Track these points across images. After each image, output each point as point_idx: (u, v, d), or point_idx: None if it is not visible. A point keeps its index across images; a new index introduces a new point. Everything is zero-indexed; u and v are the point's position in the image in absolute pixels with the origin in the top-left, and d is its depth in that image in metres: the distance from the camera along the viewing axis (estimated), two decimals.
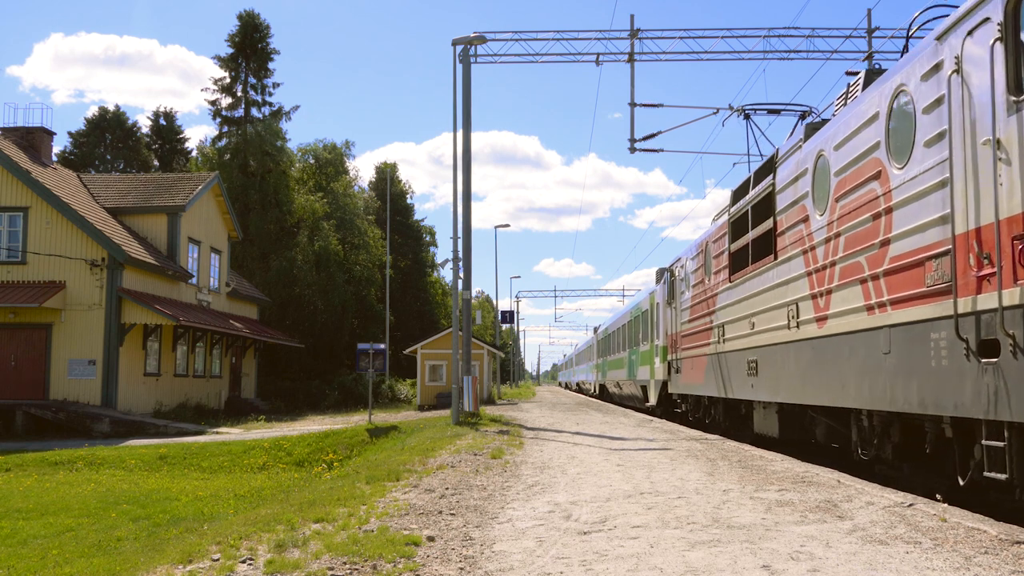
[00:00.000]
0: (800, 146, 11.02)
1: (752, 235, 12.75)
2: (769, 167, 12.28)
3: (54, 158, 34.49)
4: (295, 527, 6.73)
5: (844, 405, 9.29)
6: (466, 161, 21.48)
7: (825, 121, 10.81)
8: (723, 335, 14.45)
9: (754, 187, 13.00)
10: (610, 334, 36.80)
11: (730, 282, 13.95)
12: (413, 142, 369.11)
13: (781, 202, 11.38)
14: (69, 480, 16.55)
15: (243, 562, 5.53)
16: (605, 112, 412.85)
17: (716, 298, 15.11)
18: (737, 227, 13.73)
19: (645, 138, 23.51)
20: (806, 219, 10.29)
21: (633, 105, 23.21)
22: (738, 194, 14.03)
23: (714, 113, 23.62)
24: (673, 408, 21.47)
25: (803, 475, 9.05)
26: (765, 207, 12.15)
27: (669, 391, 20.82)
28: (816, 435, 11.15)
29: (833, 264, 9.48)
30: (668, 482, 8.75)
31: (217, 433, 24.71)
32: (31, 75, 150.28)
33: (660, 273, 22.41)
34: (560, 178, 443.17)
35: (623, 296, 76.93)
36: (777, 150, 12.00)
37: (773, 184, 11.76)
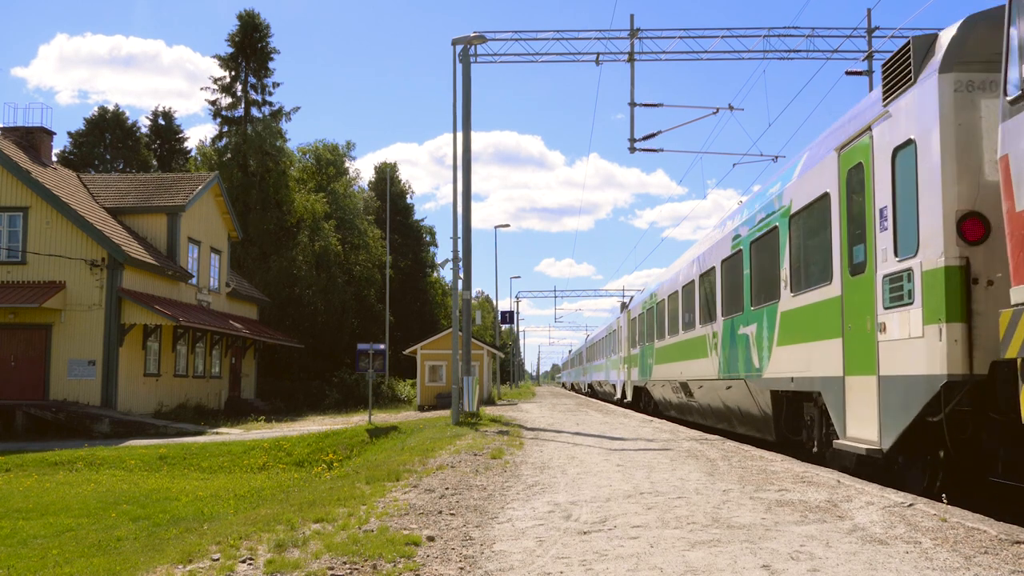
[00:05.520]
0: None
1: None
2: None
3: (54, 158, 34.52)
4: (295, 527, 6.73)
5: None
6: (466, 161, 21.48)
7: None
8: None
9: None
10: (660, 303, 21.77)
11: None
12: (415, 143, 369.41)
13: None
14: (69, 480, 16.56)
15: (243, 562, 5.54)
16: (607, 113, 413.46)
17: None
18: None
19: (645, 138, 23.55)
20: None
21: (633, 105, 23.24)
22: None
23: (714, 113, 23.66)
24: None
25: (803, 475, 9.05)
26: None
27: None
28: None
29: None
30: (668, 482, 8.75)
31: (217, 433, 24.71)
32: (36, 76, 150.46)
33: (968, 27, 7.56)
34: (563, 178, 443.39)
35: (623, 295, 69.09)
36: None
37: None
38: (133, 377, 28.03)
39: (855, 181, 9.10)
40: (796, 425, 11.60)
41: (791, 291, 11.01)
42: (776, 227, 11.69)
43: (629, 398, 29.45)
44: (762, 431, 13.16)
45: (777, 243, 11.65)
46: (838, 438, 9.30)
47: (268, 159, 46.09)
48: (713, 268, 15.62)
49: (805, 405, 11.06)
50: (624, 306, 32.04)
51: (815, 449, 10.62)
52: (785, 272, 11.28)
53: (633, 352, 27.95)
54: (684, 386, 18.55)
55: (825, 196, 9.88)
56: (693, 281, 17.50)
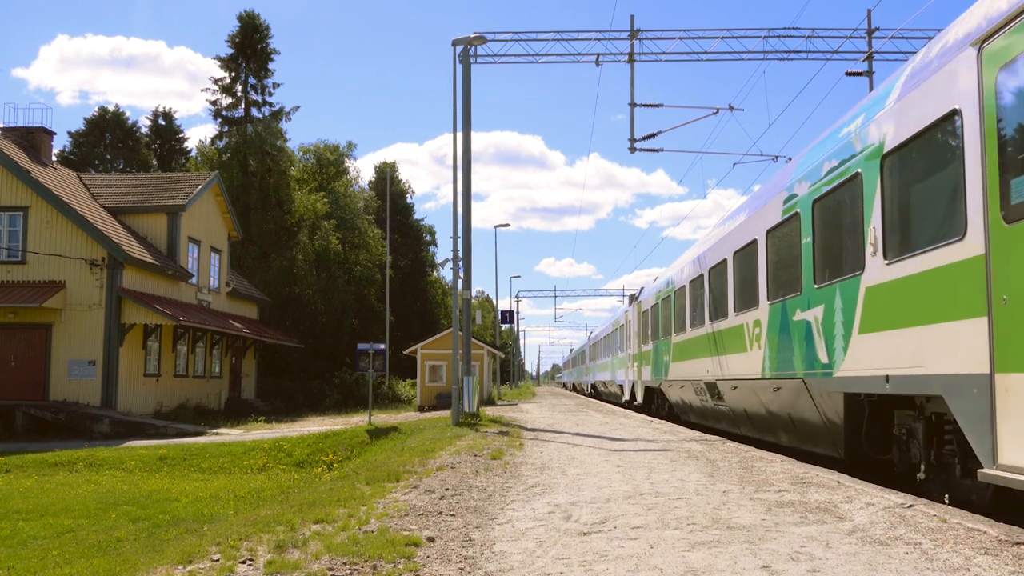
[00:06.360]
0: None
1: None
2: None
3: (54, 158, 34.53)
4: (295, 528, 6.73)
5: None
6: (466, 161, 21.48)
7: None
8: None
9: None
10: (678, 291, 18.82)
11: None
12: (415, 143, 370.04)
13: None
14: (69, 481, 16.57)
15: (243, 563, 5.53)
16: (607, 113, 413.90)
17: None
18: None
19: (645, 138, 23.55)
20: None
21: (633, 105, 23.25)
22: None
23: (714, 113, 23.67)
24: None
25: (803, 476, 9.05)
26: None
27: None
28: None
29: None
30: (668, 483, 8.74)
31: (217, 434, 24.71)
32: (36, 77, 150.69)
33: None
34: (563, 178, 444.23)
35: (623, 295, 67.97)
36: None
37: None
38: (133, 377, 28.02)
39: (1012, 84, 6.03)
40: (884, 440, 8.86)
41: (884, 257, 8.05)
42: (858, 174, 8.69)
43: (639, 400, 26.21)
44: (824, 446, 10.32)
45: (860, 196, 8.65)
46: (981, 466, 6.30)
47: (268, 159, 46.12)
48: (754, 242, 12.56)
49: (897, 414, 8.44)
50: (633, 298, 27.83)
51: (922, 475, 7.85)
52: (875, 233, 8.29)
53: (644, 348, 24.57)
54: (711, 387, 15.63)
55: (951, 116, 6.86)
56: (724, 261, 14.33)
